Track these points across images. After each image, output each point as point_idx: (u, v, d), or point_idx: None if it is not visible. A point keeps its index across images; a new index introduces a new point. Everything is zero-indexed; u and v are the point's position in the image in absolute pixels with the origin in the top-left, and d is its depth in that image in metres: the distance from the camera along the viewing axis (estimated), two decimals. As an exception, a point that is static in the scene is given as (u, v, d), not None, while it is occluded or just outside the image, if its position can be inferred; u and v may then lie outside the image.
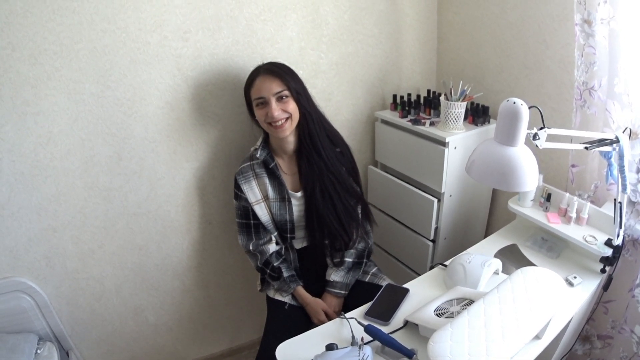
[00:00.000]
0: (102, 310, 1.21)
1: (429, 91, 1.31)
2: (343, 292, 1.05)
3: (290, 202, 1.02)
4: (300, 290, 1.04)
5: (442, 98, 1.13)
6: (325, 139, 1.01)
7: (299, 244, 1.09)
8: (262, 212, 1.03)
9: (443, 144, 1.13)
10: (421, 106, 1.29)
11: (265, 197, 1.03)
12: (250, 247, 1.05)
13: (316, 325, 0.86)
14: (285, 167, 1.05)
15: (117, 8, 0.93)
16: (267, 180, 1.02)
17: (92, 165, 1.04)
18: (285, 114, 0.94)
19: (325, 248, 1.06)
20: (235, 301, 1.42)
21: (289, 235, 1.04)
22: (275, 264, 1.04)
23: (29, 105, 0.92)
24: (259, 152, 1.01)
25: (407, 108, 1.27)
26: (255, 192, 1.02)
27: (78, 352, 1.19)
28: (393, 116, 1.28)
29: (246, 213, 1.04)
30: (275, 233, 1.05)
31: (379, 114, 1.33)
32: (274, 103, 0.92)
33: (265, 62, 1.00)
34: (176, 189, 1.17)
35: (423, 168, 1.22)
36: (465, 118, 1.18)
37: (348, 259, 1.07)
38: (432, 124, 1.20)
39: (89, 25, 0.92)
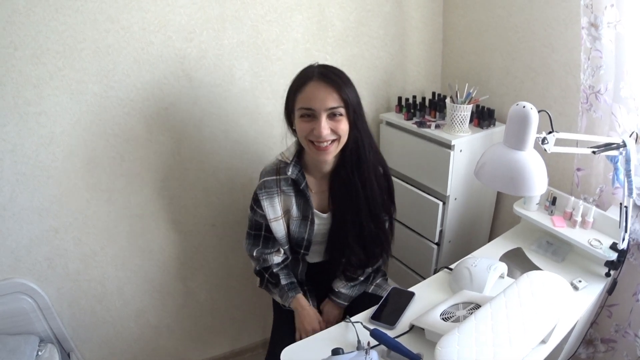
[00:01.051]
0: (104, 312, 1.20)
1: (434, 93, 1.30)
2: (346, 303, 1.01)
3: (313, 222, 0.91)
4: (300, 298, 0.96)
5: (448, 100, 1.13)
6: (373, 165, 0.87)
7: (312, 259, 1.03)
8: (279, 229, 0.92)
9: (449, 146, 1.13)
10: (426, 108, 1.29)
11: (286, 213, 0.91)
12: (254, 253, 0.98)
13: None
14: (314, 185, 0.92)
15: (120, 8, 0.92)
16: (293, 199, 0.90)
17: (95, 166, 1.03)
18: (334, 135, 0.78)
19: (340, 264, 0.98)
20: (237, 303, 1.41)
21: (302, 252, 0.96)
22: (274, 270, 0.97)
23: (31, 105, 0.91)
24: (290, 169, 0.86)
25: (412, 110, 1.27)
26: (276, 209, 0.89)
27: (79, 353, 1.18)
28: (398, 118, 1.28)
29: (259, 226, 0.94)
30: (287, 247, 0.96)
31: (384, 116, 1.33)
32: (324, 120, 0.76)
33: (316, 64, 0.81)
34: (179, 190, 1.16)
35: (428, 171, 1.22)
36: (471, 121, 1.18)
37: (360, 277, 1.00)
38: (437, 126, 1.19)
39: (92, 24, 0.91)
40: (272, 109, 1.19)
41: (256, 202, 0.90)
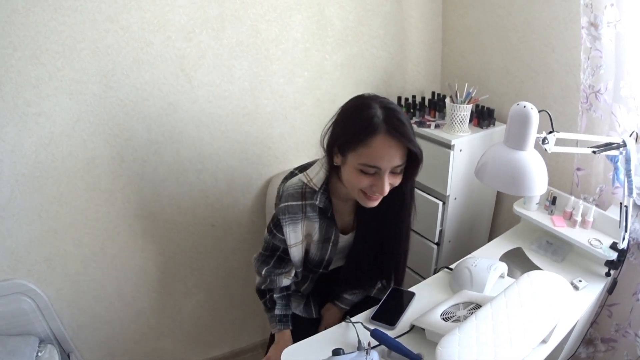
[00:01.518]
0: (104, 312, 1.20)
1: (433, 93, 1.30)
2: (348, 307, 1.00)
3: (336, 244, 0.87)
4: (286, 333, 0.91)
5: (447, 100, 1.13)
6: (408, 193, 0.81)
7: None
8: (297, 253, 0.86)
9: (449, 146, 1.13)
10: (426, 108, 1.29)
11: (307, 237, 0.86)
12: (263, 272, 0.91)
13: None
14: (339, 207, 0.86)
15: (120, 7, 0.92)
16: (317, 225, 0.84)
17: (94, 166, 1.03)
18: (389, 188, 0.72)
19: (351, 276, 0.95)
20: (237, 304, 1.41)
21: (321, 271, 0.92)
22: (275, 296, 0.92)
23: (30, 106, 0.91)
24: (318, 198, 0.79)
25: (412, 110, 1.27)
26: (298, 235, 0.83)
27: (79, 354, 1.18)
28: (397, 118, 1.28)
29: (276, 249, 0.88)
30: (300, 269, 0.91)
31: (383, 116, 1.33)
32: (387, 177, 0.70)
33: (379, 106, 0.70)
34: (179, 190, 1.16)
35: (428, 171, 1.20)
36: (471, 120, 1.18)
37: (367, 291, 1.00)
38: (437, 126, 1.19)
39: (91, 24, 0.91)
40: (272, 109, 1.19)
41: (277, 227, 0.83)
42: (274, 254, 0.89)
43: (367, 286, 1.00)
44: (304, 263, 0.91)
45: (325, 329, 0.97)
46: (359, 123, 0.70)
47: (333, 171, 0.79)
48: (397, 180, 0.73)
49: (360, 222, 0.86)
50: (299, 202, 0.80)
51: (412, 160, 0.72)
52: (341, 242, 0.89)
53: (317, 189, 0.80)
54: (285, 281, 0.92)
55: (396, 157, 0.70)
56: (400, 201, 0.81)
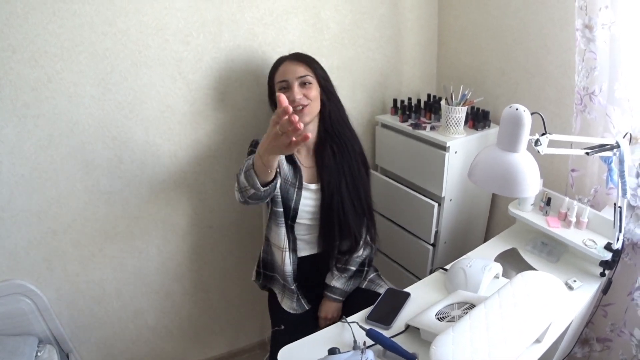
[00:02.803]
0: (102, 313, 1.21)
1: (429, 95, 1.31)
2: (342, 298, 1.04)
3: (301, 189, 0.98)
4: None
5: (443, 102, 1.14)
6: (348, 133, 0.99)
7: (303, 251, 1.06)
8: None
9: (444, 148, 1.13)
10: (421, 110, 1.29)
11: (279, 173, 0.88)
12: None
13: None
14: (303, 160, 1.01)
15: (118, 11, 0.93)
16: (284, 164, 0.97)
17: (93, 168, 1.04)
18: (306, 100, 0.92)
19: (332, 250, 1.03)
20: (235, 305, 1.42)
21: (289, 222, 0.99)
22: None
23: (29, 108, 0.92)
24: None
25: (407, 112, 1.27)
26: None
27: (78, 354, 1.19)
28: (393, 120, 1.28)
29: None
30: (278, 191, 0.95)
31: (379, 118, 1.33)
32: (296, 87, 0.92)
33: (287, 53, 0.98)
34: (177, 192, 1.17)
35: (423, 172, 1.22)
36: (466, 122, 1.18)
37: (351, 267, 1.05)
38: (432, 128, 1.20)
39: (89, 27, 0.92)
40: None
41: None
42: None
43: (349, 265, 1.03)
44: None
45: (325, 322, 0.99)
46: (273, 64, 0.99)
47: None
48: (310, 92, 0.93)
49: (321, 169, 0.99)
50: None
51: (316, 75, 0.94)
52: (309, 194, 0.99)
53: None
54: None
55: (298, 69, 0.93)
56: (336, 135, 0.97)
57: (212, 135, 1.15)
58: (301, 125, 0.62)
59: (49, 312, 1.07)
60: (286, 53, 1.08)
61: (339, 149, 0.98)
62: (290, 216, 0.99)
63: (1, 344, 0.97)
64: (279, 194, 0.96)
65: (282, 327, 1.00)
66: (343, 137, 0.99)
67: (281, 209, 0.97)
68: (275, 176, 0.79)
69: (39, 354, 1.01)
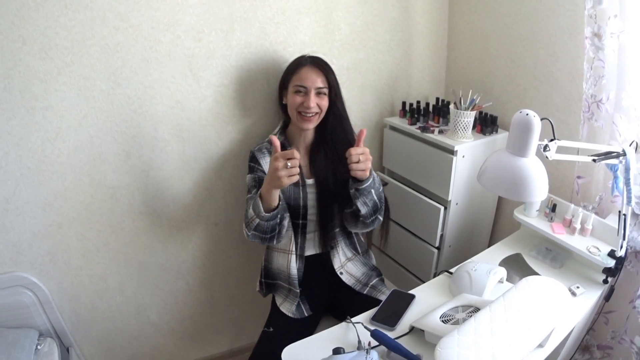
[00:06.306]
0: (104, 307, 1.20)
1: (437, 99, 1.32)
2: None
3: (305, 186, 1.02)
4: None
5: (451, 106, 1.14)
6: (344, 140, 1.03)
7: (307, 250, 1.07)
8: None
9: (451, 152, 1.14)
10: (430, 114, 1.30)
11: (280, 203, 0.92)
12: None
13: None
14: (300, 159, 1.00)
15: (130, 5, 0.93)
16: None
17: (100, 162, 1.03)
18: (317, 109, 0.98)
19: (335, 248, 1.07)
20: (238, 303, 1.42)
21: (300, 222, 1.02)
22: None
23: (37, 100, 0.92)
24: (277, 134, 1.03)
25: (416, 115, 1.28)
26: None
27: (78, 348, 1.18)
28: (402, 123, 1.29)
29: (261, 183, 0.92)
30: (288, 215, 0.96)
31: (387, 120, 1.34)
32: (312, 95, 0.97)
33: (307, 55, 1.03)
34: (184, 189, 1.17)
35: (430, 175, 1.23)
36: (474, 127, 1.19)
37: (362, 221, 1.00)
38: (440, 131, 1.20)
39: (101, 21, 0.92)
40: (278, 111, 1.20)
41: (254, 160, 1.02)
42: (259, 188, 0.92)
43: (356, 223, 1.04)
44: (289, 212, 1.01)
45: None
46: (292, 64, 1.02)
47: (283, 112, 1.07)
48: (322, 102, 0.98)
49: (314, 167, 1.03)
50: (265, 143, 1.04)
51: (330, 89, 0.99)
52: (308, 188, 1.03)
53: (274, 133, 1.06)
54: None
55: (318, 80, 0.97)
56: (333, 137, 1.02)
57: (221, 133, 1.15)
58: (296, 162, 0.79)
59: (51, 305, 1.07)
60: (297, 53, 1.09)
61: (331, 152, 1.03)
62: (301, 214, 1.02)
63: (1, 336, 0.96)
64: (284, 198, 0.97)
65: (271, 329, 1.00)
66: (339, 142, 1.02)
67: (287, 214, 0.97)
68: (278, 205, 0.88)
69: (39, 347, 1.01)
